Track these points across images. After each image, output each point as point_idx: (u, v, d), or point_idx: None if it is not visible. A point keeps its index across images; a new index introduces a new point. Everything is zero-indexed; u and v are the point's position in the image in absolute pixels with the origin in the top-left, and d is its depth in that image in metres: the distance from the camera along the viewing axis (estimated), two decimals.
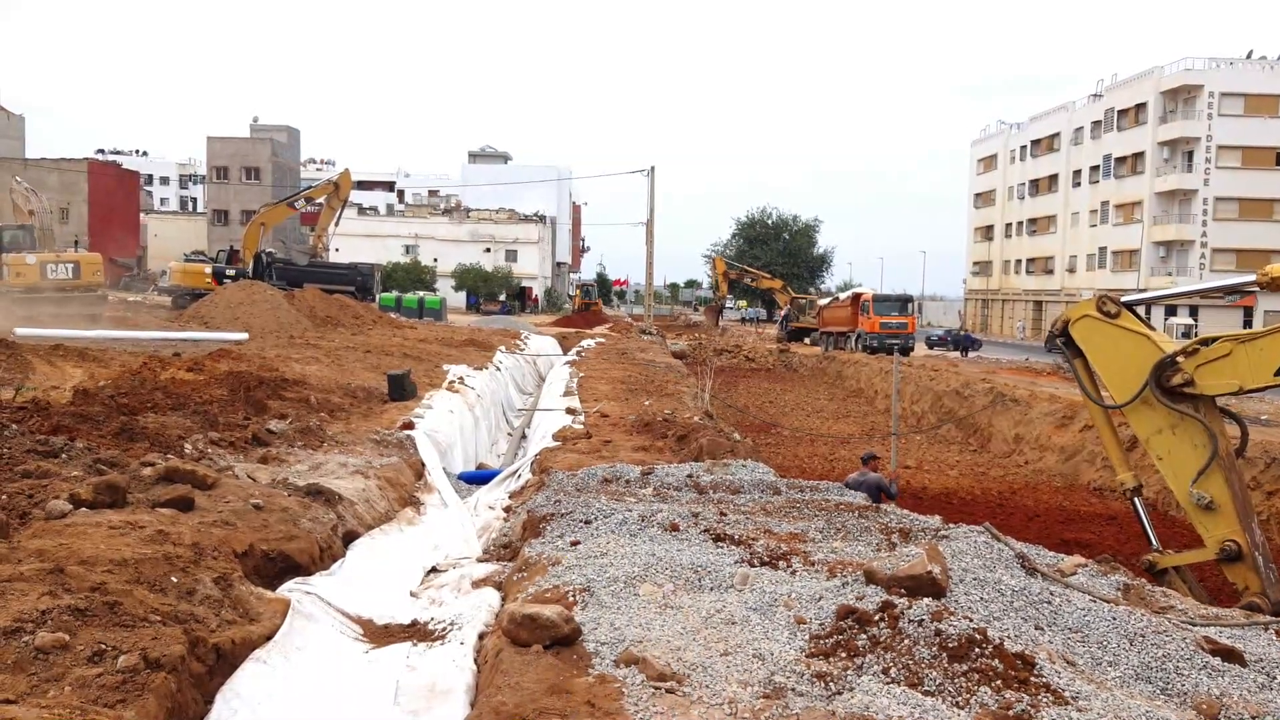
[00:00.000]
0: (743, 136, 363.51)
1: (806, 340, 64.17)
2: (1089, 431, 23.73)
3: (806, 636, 5.85)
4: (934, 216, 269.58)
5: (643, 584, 6.75)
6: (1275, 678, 5.87)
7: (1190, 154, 76.87)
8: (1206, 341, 9.17)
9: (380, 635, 6.95)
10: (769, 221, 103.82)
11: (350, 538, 9.14)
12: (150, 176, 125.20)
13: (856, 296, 57.12)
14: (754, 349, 55.41)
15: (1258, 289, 9.30)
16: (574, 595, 6.49)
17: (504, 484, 13.35)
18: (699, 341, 55.35)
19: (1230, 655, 5.92)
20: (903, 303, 55.37)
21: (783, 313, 73.34)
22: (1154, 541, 10.13)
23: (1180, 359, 9.11)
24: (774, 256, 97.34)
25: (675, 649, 5.68)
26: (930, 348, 63.13)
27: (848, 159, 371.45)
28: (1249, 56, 77.76)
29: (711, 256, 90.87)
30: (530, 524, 8.78)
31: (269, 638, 6.13)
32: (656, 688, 5.12)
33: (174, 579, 6.24)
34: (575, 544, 7.70)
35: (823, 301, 67.49)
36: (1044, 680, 5.27)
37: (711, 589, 6.78)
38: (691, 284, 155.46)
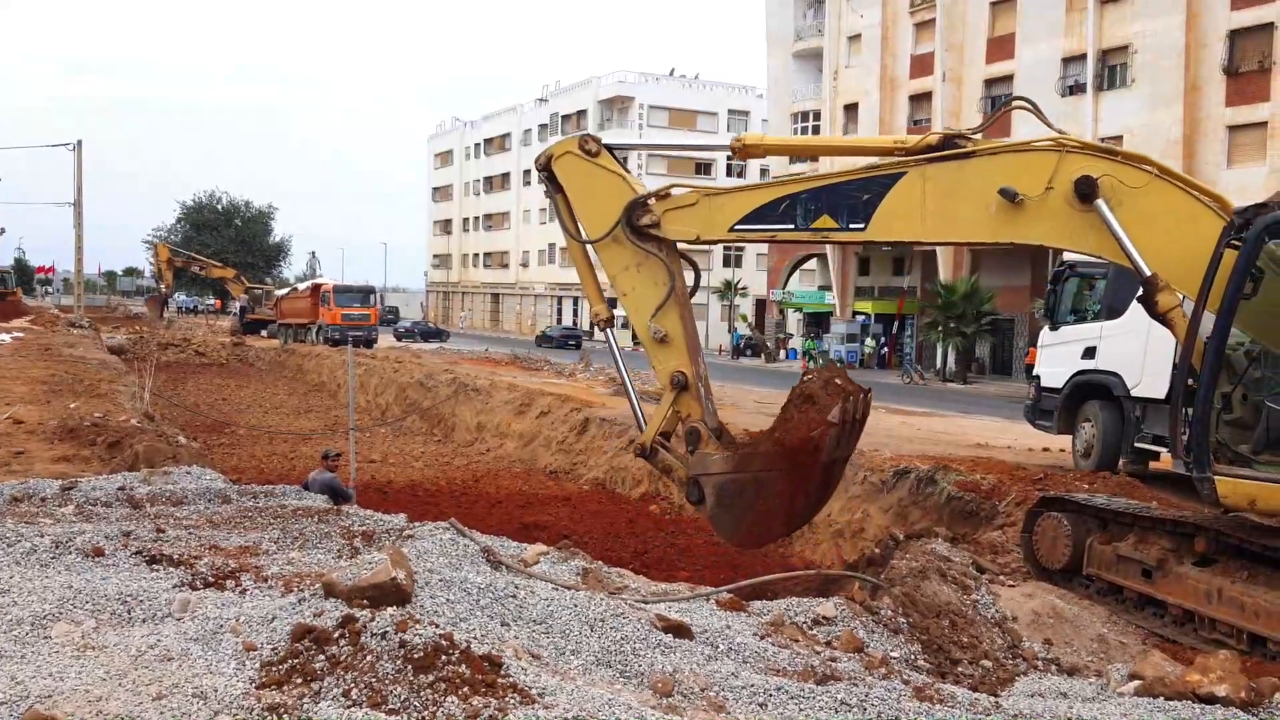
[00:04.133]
0: (190, 113, 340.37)
1: (264, 333, 61.41)
2: (545, 418, 24.92)
3: (258, 664, 5.21)
4: (395, 208, 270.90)
5: (56, 623, 5.69)
6: (719, 647, 6.23)
7: (625, 159, 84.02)
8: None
9: None
10: (219, 207, 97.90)
11: None
12: None
13: (316, 287, 55.64)
14: (205, 342, 51.87)
15: (731, 153, 9.94)
16: None
17: None
18: (140, 335, 50.84)
19: (680, 631, 6.20)
20: (365, 294, 54.88)
21: (238, 304, 69.61)
22: (622, 369, 10.49)
23: (652, 201, 9.51)
24: (226, 244, 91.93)
25: (96, 699, 4.78)
26: (399, 339, 63.48)
27: (312, 144, 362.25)
28: (672, 73, 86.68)
29: (154, 243, 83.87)
30: None
31: None
32: None
33: None
34: None
35: (281, 292, 64.96)
36: (511, 680, 5.11)
37: (144, 621, 5.89)
38: (132, 272, 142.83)
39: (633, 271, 9.64)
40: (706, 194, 9.53)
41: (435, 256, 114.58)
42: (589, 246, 9.95)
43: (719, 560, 15.36)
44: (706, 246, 9.98)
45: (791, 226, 9.18)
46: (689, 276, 9.89)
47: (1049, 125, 8.83)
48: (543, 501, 19.20)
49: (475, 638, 5.58)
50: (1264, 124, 36.52)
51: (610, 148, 9.94)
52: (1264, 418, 7.63)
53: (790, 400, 9.14)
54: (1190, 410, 7.57)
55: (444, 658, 5.08)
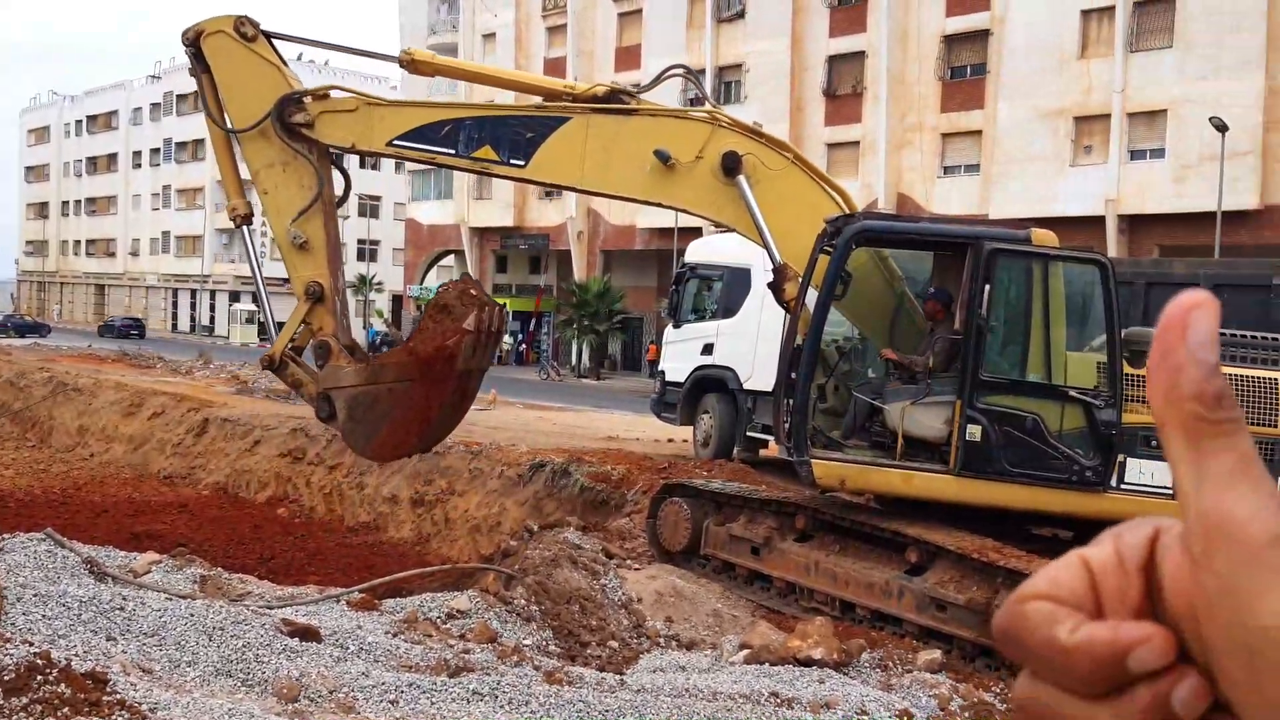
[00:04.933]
0: None
1: None
2: (158, 419, 23.19)
3: None
4: None
5: None
6: (349, 648, 6.09)
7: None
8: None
9: None
10: None
11: None
12: None
13: None
14: None
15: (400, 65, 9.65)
16: None
17: None
18: None
19: (308, 634, 6.00)
20: None
21: None
22: (257, 273, 9.98)
23: (308, 100, 9.11)
24: None
25: None
26: None
27: None
28: (300, 59, 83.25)
29: None
30: None
31: None
32: None
33: None
34: None
35: None
36: (119, 697, 4.75)
37: None
38: None
39: (277, 170, 9.18)
40: (369, 102, 9.27)
41: (29, 243, 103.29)
42: (233, 136, 9.40)
43: (353, 562, 14.98)
44: (364, 156, 9.66)
45: (452, 152, 9.13)
46: (339, 185, 9.55)
47: (705, 97, 9.36)
48: (156, 509, 17.85)
49: (77, 654, 5.13)
50: (856, 143, 40.57)
51: (269, 35, 9.33)
52: (852, 406, 8.53)
53: (426, 312, 9.15)
54: (790, 400, 8.32)
55: (40, 678, 4.64)
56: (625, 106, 8.95)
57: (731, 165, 8.52)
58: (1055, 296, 7.71)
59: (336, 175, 9.60)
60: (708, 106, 9.12)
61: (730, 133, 8.79)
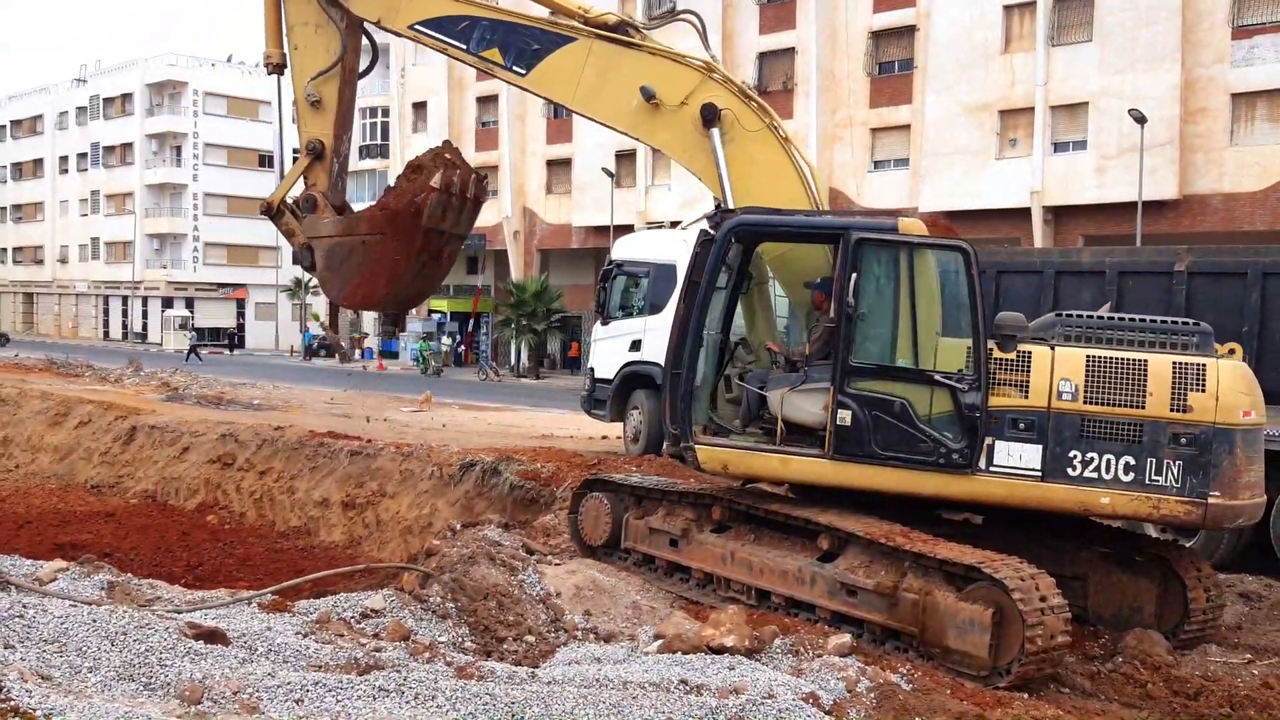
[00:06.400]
0: None
1: None
2: (85, 428, 22.81)
3: None
4: None
5: None
6: (256, 649, 6.08)
7: (179, 149, 78.65)
8: None
9: None
10: None
11: None
12: None
13: None
14: None
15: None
16: None
17: None
18: None
19: (213, 637, 5.99)
20: None
21: None
22: (281, 126, 10.88)
23: None
24: None
25: None
26: None
27: None
28: (229, 60, 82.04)
29: None
30: None
31: None
32: None
33: None
34: None
35: None
36: (13, 704, 4.73)
37: None
38: None
39: (309, 30, 10.00)
40: None
41: None
42: None
43: (281, 567, 14.87)
44: (386, 32, 10.41)
45: (464, 48, 9.73)
46: (366, 58, 10.37)
47: (707, 47, 9.74)
48: (83, 519, 17.58)
49: None
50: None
51: None
52: (745, 396, 8.76)
53: (401, 173, 9.81)
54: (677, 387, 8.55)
55: None
56: (628, 40, 9.38)
57: (709, 117, 8.91)
58: (923, 283, 7.87)
59: (366, 46, 10.36)
60: (706, 57, 9.43)
61: (719, 86, 9.13)
